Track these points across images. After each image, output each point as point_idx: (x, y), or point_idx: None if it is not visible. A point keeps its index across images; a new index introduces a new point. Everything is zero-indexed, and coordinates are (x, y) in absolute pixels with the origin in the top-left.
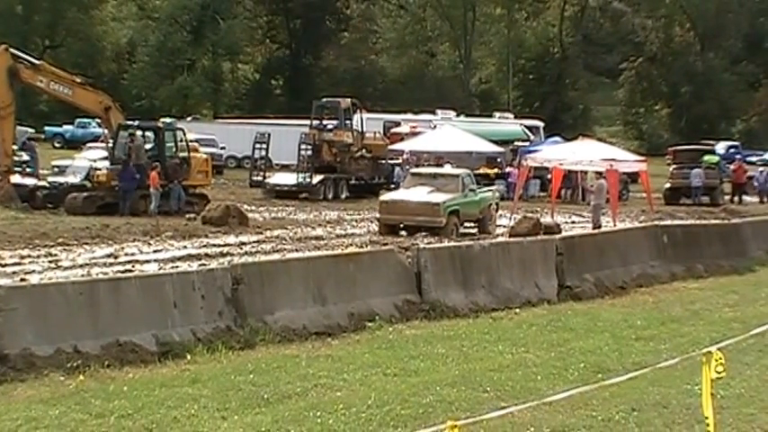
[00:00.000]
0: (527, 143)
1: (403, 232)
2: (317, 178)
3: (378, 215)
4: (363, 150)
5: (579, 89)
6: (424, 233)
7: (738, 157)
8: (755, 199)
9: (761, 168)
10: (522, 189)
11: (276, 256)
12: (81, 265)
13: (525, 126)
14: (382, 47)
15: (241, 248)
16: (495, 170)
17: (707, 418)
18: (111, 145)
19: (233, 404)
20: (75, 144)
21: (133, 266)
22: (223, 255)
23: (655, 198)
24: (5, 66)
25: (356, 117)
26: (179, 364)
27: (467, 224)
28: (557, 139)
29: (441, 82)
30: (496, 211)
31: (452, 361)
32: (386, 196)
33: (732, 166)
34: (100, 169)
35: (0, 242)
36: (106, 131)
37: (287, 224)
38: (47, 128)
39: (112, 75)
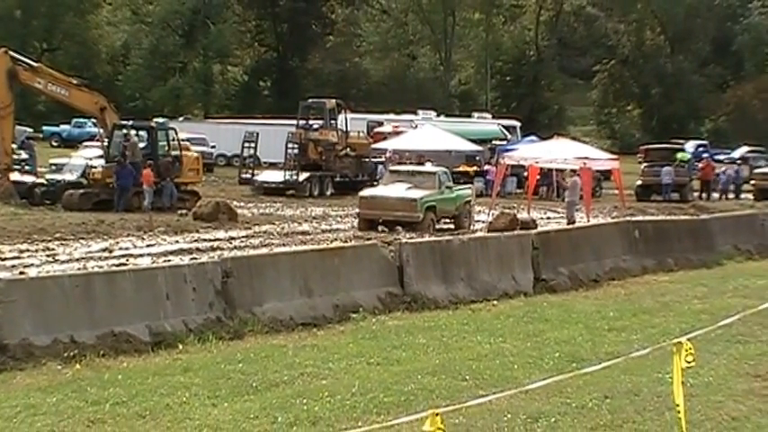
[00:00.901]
0: (504, 142)
1: (382, 227)
2: (303, 176)
3: (357, 210)
4: (348, 149)
5: (554, 90)
6: (405, 228)
7: (706, 155)
8: (717, 195)
9: (723, 167)
10: (499, 186)
11: (264, 251)
12: (77, 259)
13: (503, 126)
14: (366, 50)
15: (230, 243)
16: (474, 168)
17: (678, 405)
18: (106, 144)
19: (223, 392)
20: (71, 143)
21: (127, 260)
22: (213, 249)
23: (627, 195)
24: (5, 68)
25: (341, 117)
26: (171, 354)
27: (444, 220)
28: (533, 138)
29: (422, 83)
30: (472, 207)
31: (433, 350)
32: (365, 192)
33: (700, 164)
34: (95, 167)
35: (0, 237)
36: (102, 131)
37: (274, 220)
38: (45, 127)
39: (107, 76)
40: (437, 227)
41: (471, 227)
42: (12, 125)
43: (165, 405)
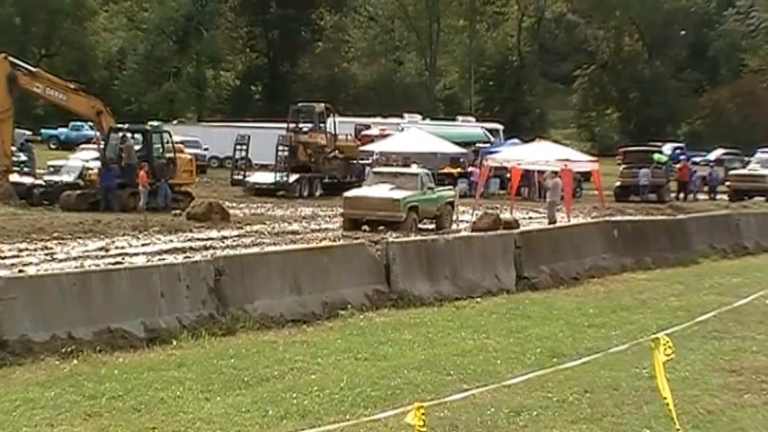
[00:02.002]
0: (488, 144)
1: (365, 227)
2: (293, 177)
3: (342, 210)
4: (336, 151)
5: (536, 95)
6: (387, 227)
7: (683, 157)
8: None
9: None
10: (483, 187)
11: (255, 250)
12: (75, 258)
13: (486, 129)
14: (354, 55)
15: (223, 242)
16: (459, 170)
17: (666, 398)
18: (102, 146)
19: (215, 386)
20: (69, 145)
21: (123, 259)
22: (206, 248)
23: (606, 195)
24: (5, 73)
25: (329, 120)
26: (166, 350)
27: (425, 220)
28: (515, 140)
29: (408, 88)
30: (453, 208)
31: (419, 346)
32: (349, 193)
33: (678, 166)
34: (92, 169)
35: (0, 236)
36: (98, 134)
37: (265, 220)
38: (43, 130)
39: (104, 81)
40: (419, 226)
41: (454, 226)
42: (11, 128)
43: (160, 399)
